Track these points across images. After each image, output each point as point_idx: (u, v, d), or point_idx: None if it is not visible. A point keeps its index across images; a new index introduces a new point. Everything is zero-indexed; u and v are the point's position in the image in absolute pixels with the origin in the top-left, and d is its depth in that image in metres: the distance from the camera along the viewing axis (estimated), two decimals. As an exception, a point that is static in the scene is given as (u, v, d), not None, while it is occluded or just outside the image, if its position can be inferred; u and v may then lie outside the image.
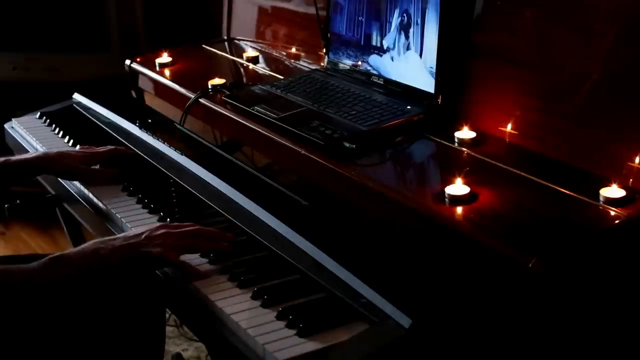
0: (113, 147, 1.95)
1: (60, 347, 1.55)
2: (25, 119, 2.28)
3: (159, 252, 1.46)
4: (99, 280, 1.46)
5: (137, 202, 1.76)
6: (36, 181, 2.09)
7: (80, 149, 1.95)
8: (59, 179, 1.94)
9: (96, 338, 1.57)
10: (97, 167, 1.90)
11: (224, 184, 1.69)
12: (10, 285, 1.41)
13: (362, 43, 1.97)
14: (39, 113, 2.28)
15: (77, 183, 1.87)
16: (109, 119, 2.16)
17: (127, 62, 2.43)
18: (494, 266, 1.32)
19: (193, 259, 1.51)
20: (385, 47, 1.91)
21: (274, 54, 2.37)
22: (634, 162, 1.46)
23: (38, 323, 1.53)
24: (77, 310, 1.57)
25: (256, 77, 2.23)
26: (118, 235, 1.51)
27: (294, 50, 2.31)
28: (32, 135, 2.15)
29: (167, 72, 2.31)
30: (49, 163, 1.85)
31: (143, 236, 1.48)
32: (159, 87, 2.30)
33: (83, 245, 1.49)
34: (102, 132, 2.10)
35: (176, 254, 1.48)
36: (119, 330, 1.60)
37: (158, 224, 1.55)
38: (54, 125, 2.19)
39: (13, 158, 1.88)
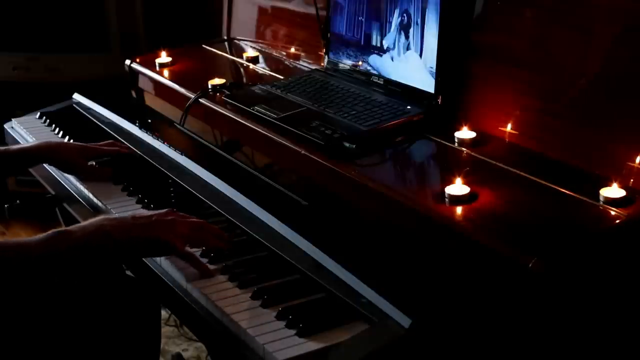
0: (114, 143, 1.95)
1: (55, 346, 1.55)
2: (25, 119, 2.28)
3: (169, 238, 1.43)
4: (101, 258, 1.43)
5: (137, 202, 1.75)
6: (36, 181, 2.10)
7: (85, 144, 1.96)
8: (59, 180, 1.94)
9: (91, 337, 1.58)
10: (94, 163, 1.90)
11: (224, 184, 1.69)
12: (5, 257, 1.37)
13: (362, 43, 1.97)
14: (39, 113, 2.28)
15: (77, 183, 1.87)
16: (109, 119, 2.16)
17: (127, 62, 2.43)
18: (494, 266, 1.32)
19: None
20: (385, 47, 1.91)
21: (274, 54, 2.37)
22: (634, 162, 1.46)
23: (33, 321, 1.54)
24: (73, 309, 1.57)
25: (256, 77, 2.23)
26: (127, 215, 1.48)
27: (294, 50, 2.31)
28: (32, 136, 2.14)
29: (167, 72, 2.31)
30: (48, 152, 1.87)
31: (153, 218, 1.45)
32: (159, 87, 2.30)
33: (90, 220, 1.45)
34: (102, 132, 2.10)
35: (184, 243, 1.46)
36: (114, 329, 1.60)
37: (164, 210, 1.52)
38: (53, 125, 2.18)
39: (13, 147, 1.90)
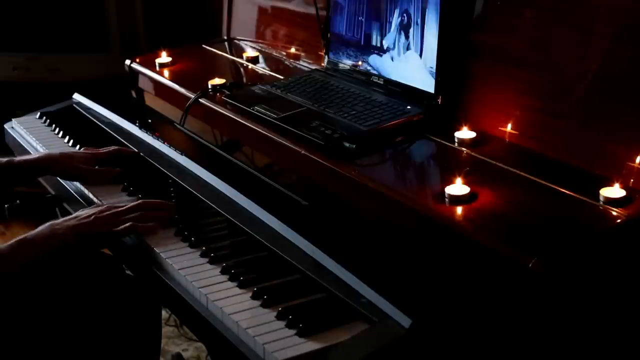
0: (116, 147, 1.95)
1: (55, 346, 1.55)
2: (25, 119, 2.28)
3: (112, 229, 1.57)
4: (56, 260, 1.55)
5: (137, 202, 1.75)
6: (36, 181, 2.09)
7: (83, 150, 1.96)
8: (59, 180, 1.94)
9: (91, 337, 1.58)
10: (97, 167, 1.90)
11: (224, 184, 1.69)
12: None
13: (362, 43, 1.97)
14: (39, 113, 2.28)
15: (77, 183, 1.87)
16: (109, 119, 2.16)
17: (127, 62, 2.43)
18: (494, 266, 1.32)
19: (194, 257, 1.51)
20: (385, 47, 1.91)
21: (274, 54, 2.37)
22: (634, 162, 1.46)
23: (33, 321, 1.54)
24: (73, 309, 1.57)
25: (256, 77, 2.23)
26: (70, 216, 1.60)
27: (294, 50, 2.31)
28: (32, 136, 2.14)
29: (167, 72, 2.31)
30: (52, 164, 1.86)
31: (92, 217, 1.58)
32: (159, 87, 2.30)
33: (40, 228, 1.56)
34: (102, 132, 2.10)
35: (118, 228, 1.57)
36: (114, 329, 1.60)
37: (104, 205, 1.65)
38: (54, 125, 2.18)
39: (17, 159, 1.89)
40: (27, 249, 1.51)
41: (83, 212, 1.61)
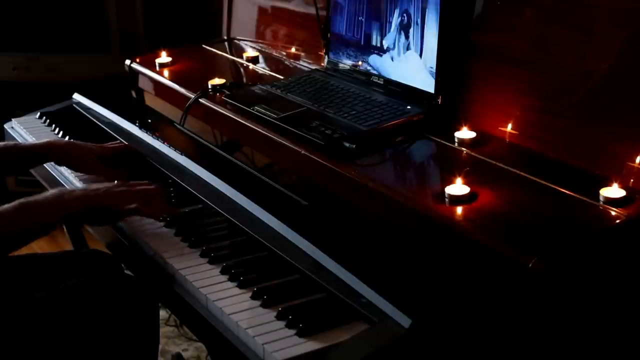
0: (122, 143, 1.94)
1: (53, 346, 1.55)
2: (25, 119, 2.28)
3: (115, 205, 1.59)
4: (58, 224, 1.59)
5: (137, 202, 1.75)
6: (36, 181, 2.10)
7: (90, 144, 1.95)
8: (59, 180, 1.93)
9: (89, 336, 1.58)
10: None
11: (224, 184, 1.69)
12: None
13: (362, 43, 1.97)
14: (39, 113, 2.28)
15: (77, 183, 1.87)
16: (109, 119, 2.16)
17: (127, 62, 2.43)
18: (494, 266, 1.32)
19: (194, 257, 1.51)
20: (385, 47, 1.91)
21: (274, 54, 2.37)
22: (634, 162, 1.46)
23: (31, 320, 1.54)
24: (71, 308, 1.57)
25: (256, 77, 2.23)
26: (79, 187, 1.64)
27: (294, 50, 2.31)
28: (32, 135, 2.14)
29: (167, 72, 2.31)
30: (60, 152, 1.85)
31: (102, 191, 1.60)
32: (159, 87, 2.30)
33: (45, 194, 1.56)
34: (102, 132, 2.10)
35: (125, 206, 1.60)
36: (112, 328, 1.60)
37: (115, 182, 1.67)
38: (53, 126, 2.18)
39: (22, 143, 1.89)
40: (30, 213, 1.51)
41: (94, 185, 1.63)
